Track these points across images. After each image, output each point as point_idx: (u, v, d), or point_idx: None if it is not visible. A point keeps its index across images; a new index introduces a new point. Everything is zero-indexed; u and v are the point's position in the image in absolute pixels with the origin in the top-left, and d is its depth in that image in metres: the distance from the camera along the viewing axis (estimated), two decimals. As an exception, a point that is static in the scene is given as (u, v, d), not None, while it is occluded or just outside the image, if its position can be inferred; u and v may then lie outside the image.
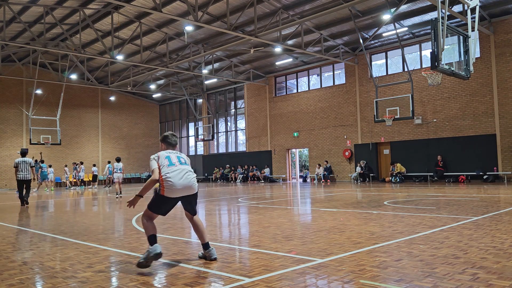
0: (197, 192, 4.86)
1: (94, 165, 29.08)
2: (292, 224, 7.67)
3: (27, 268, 4.73)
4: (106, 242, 6.28)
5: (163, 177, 4.62)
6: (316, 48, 23.92)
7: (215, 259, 4.78)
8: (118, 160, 17.86)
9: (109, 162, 26.49)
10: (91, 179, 30.89)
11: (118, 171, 17.45)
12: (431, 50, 10.35)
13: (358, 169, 24.24)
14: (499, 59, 19.80)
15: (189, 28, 21.67)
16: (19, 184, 13.32)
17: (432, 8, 18.53)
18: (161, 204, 4.71)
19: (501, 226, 6.57)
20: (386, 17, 18.72)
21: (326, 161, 25.96)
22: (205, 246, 4.84)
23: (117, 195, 16.65)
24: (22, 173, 13.18)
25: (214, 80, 30.32)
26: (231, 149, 33.58)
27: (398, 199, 12.34)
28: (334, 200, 12.44)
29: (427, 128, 22.13)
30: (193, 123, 36.05)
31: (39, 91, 30.59)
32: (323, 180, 25.30)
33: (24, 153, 13.57)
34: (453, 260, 4.48)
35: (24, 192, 13.31)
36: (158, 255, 4.49)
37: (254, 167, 29.82)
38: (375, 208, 9.75)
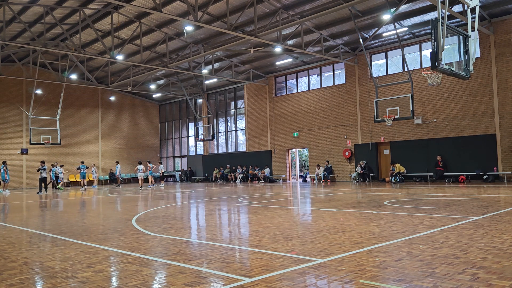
0: None
1: (117, 162, 29.51)
2: (292, 224, 7.67)
3: (27, 268, 4.73)
4: (106, 242, 6.28)
5: None
6: (316, 48, 23.91)
7: None
8: (139, 163, 23.41)
9: (117, 163, 29.04)
10: (91, 179, 30.92)
11: (140, 171, 22.82)
12: (431, 50, 10.34)
13: (358, 169, 24.23)
14: (499, 59, 19.79)
15: (189, 28, 21.66)
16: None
17: (432, 8, 18.52)
18: None
19: (501, 226, 6.57)
20: (386, 17, 18.72)
21: (327, 161, 25.95)
22: None
23: (141, 187, 22.98)
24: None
25: (214, 80, 30.30)
26: (231, 149, 33.56)
27: (398, 199, 12.34)
28: (334, 200, 12.44)
29: (427, 128, 22.13)
30: (193, 123, 36.04)
31: (39, 91, 30.58)
32: (323, 180, 25.30)
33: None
34: (453, 260, 4.48)
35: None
36: None
37: (256, 167, 29.77)
38: (375, 208, 9.75)
